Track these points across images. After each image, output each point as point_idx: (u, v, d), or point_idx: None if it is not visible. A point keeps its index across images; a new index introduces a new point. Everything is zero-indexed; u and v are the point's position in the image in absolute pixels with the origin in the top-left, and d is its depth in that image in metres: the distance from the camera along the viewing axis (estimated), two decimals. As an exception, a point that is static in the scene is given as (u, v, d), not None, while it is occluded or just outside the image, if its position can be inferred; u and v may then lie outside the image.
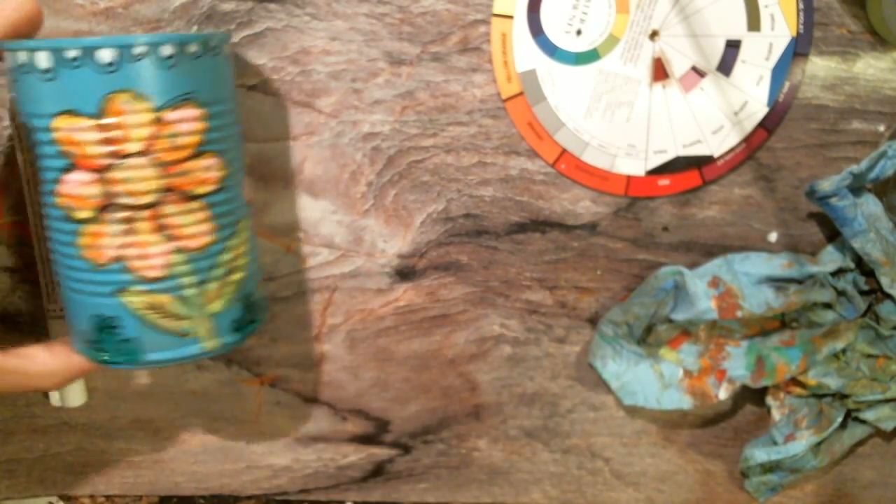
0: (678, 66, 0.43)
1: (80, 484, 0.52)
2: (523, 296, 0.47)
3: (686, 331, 0.46)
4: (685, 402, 0.46)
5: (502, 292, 0.47)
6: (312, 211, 0.46)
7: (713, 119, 0.44)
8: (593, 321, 0.48)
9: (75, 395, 0.49)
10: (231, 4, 0.43)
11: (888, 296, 0.44)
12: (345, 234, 0.46)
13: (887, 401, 0.46)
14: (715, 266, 0.44)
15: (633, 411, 0.49)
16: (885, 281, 0.43)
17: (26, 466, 0.52)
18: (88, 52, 0.34)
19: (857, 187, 0.42)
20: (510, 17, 0.43)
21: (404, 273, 0.47)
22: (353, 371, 0.49)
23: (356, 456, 0.51)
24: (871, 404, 0.46)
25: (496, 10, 0.43)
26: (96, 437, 0.51)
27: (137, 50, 0.34)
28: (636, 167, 0.45)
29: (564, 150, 0.44)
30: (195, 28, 0.43)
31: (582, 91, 0.43)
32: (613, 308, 0.46)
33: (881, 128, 0.44)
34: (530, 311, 0.48)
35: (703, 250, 0.46)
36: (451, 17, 0.43)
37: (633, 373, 0.46)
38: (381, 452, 0.51)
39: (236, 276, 0.39)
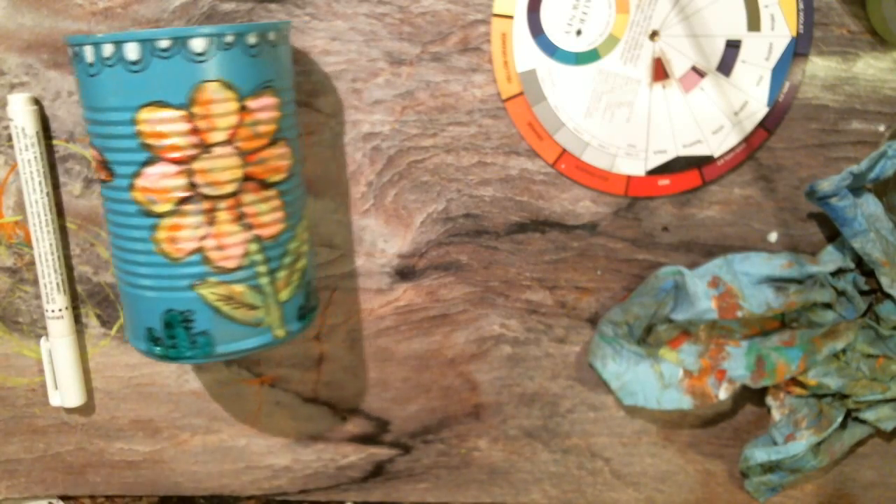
0: (678, 66, 0.43)
1: (80, 484, 0.52)
2: (523, 296, 0.47)
3: (686, 331, 0.46)
4: (685, 402, 0.46)
5: (502, 292, 0.47)
6: (312, 211, 0.46)
7: (713, 119, 0.44)
8: (593, 321, 0.48)
9: (75, 395, 0.49)
10: (231, 4, 0.43)
11: (888, 296, 0.44)
12: (345, 233, 0.46)
13: (887, 401, 0.46)
14: (715, 266, 0.44)
15: (633, 411, 0.49)
16: (885, 281, 0.43)
17: (26, 466, 0.52)
18: (181, 41, 0.34)
19: (857, 187, 0.42)
20: (510, 17, 0.43)
21: (404, 273, 0.47)
22: (353, 371, 0.49)
23: (356, 456, 0.51)
24: (871, 404, 0.46)
25: (496, 10, 0.43)
26: (96, 437, 0.51)
27: (228, 39, 0.35)
28: (636, 167, 0.45)
29: (564, 150, 0.44)
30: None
31: (582, 91, 0.43)
32: (613, 308, 0.46)
33: (881, 128, 0.44)
34: (530, 311, 0.48)
35: (703, 250, 0.46)
36: (451, 17, 0.43)
37: (633, 373, 0.46)
38: (381, 452, 0.51)
39: (301, 264, 0.40)
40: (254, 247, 0.37)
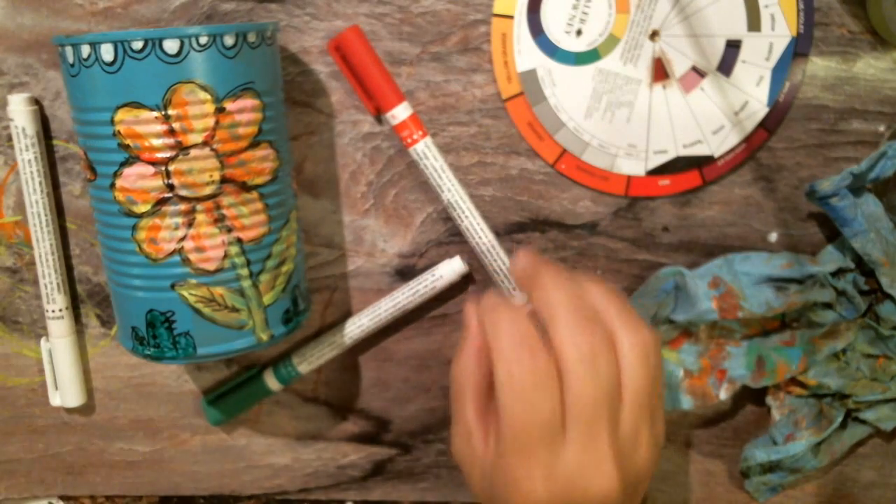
0: (678, 66, 0.43)
1: (80, 484, 0.53)
2: (523, 296, 0.47)
3: (686, 331, 0.46)
4: (685, 402, 0.46)
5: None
6: (312, 211, 0.46)
7: (713, 119, 0.44)
8: (593, 321, 0.48)
9: (75, 395, 0.49)
10: (231, 4, 0.43)
11: (888, 296, 0.44)
12: (345, 234, 0.46)
13: (887, 401, 0.46)
14: (715, 266, 0.44)
15: (633, 411, 0.49)
16: (885, 281, 0.43)
17: (26, 466, 0.52)
18: (154, 43, 0.34)
19: (857, 187, 0.42)
20: (510, 17, 0.43)
21: (404, 273, 0.47)
22: (353, 371, 0.49)
23: (356, 455, 0.51)
24: (872, 404, 0.46)
25: (496, 10, 0.43)
26: (96, 437, 0.51)
27: (202, 40, 0.35)
28: (636, 167, 0.45)
29: (564, 150, 0.44)
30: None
31: (582, 91, 0.43)
32: (613, 308, 0.46)
33: (881, 128, 0.44)
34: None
35: (703, 250, 0.46)
36: (451, 17, 0.43)
37: (633, 373, 0.46)
38: (381, 452, 0.51)
39: (287, 267, 0.40)
40: (234, 249, 0.37)
